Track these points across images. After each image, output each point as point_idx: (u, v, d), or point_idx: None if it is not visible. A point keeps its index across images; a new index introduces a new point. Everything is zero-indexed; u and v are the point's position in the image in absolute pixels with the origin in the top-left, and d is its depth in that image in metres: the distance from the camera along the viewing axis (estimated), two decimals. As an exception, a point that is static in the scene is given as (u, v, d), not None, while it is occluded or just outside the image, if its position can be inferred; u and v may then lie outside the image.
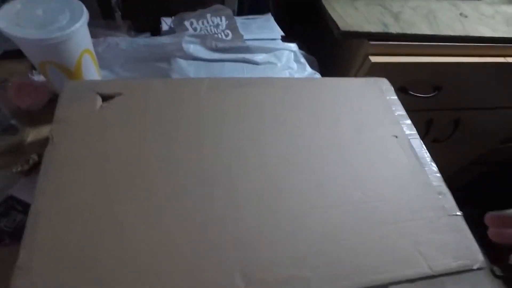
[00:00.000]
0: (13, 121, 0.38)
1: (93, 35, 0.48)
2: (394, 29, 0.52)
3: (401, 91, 0.61)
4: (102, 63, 0.47)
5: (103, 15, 0.52)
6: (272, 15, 0.64)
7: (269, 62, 0.48)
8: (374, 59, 0.53)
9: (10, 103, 0.40)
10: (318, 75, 0.53)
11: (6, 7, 0.32)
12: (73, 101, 0.33)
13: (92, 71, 0.39)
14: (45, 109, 0.42)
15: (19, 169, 0.37)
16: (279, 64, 0.48)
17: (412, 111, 0.70)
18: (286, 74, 0.49)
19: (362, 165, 0.34)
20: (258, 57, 0.48)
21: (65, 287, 0.23)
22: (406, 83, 0.61)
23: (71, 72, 0.36)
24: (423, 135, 0.78)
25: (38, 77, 0.44)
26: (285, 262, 0.27)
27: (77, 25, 0.33)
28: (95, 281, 0.24)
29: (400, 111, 0.40)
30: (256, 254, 0.27)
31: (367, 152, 0.36)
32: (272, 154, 0.33)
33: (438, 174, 0.35)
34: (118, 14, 0.50)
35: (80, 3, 0.35)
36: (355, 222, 0.30)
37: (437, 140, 0.84)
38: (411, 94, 0.61)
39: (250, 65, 0.48)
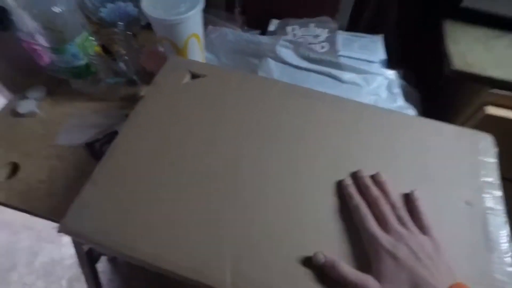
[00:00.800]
0: (135, 77, 0.50)
1: (213, 23, 0.57)
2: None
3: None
4: (211, 48, 0.55)
5: (226, 8, 0.60)
6: (393, 36, 0.60)
7: (354, 83, 0.46)
8: (491, 110, 0.44)
9: (138, 64, 0.52)
10: (412, 111, 0.47)
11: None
12: (170, 72, 0.41)
13: (196, 53, 0.47)
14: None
15: (128, 112, 0.49)
16: (365, 88, 0.46)
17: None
18: (370, 99, 0.46)
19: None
20: (346, 76, 0.47)
21: (114, 203, 0.31)
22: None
23: (179, 50, 0.45)
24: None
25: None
26: (277, 269, 0.27)
27: (190, 13, 0.40)
28: (136, 208, 0.30)
29: (492, 178, 0.33)
30: (254, 251, 0.28)
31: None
32: (309, 170, 0.33)
33: (510, 269, 0.27)
34: (237, 10, 0.57)
35: (201, -4, 0.42)
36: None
37: None
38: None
39: (334, 81, 0.47)
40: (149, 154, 0.34)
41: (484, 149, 0.35)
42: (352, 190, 0.31)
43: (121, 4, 0.48)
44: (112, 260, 0.92)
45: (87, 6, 0.47)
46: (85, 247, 0.61)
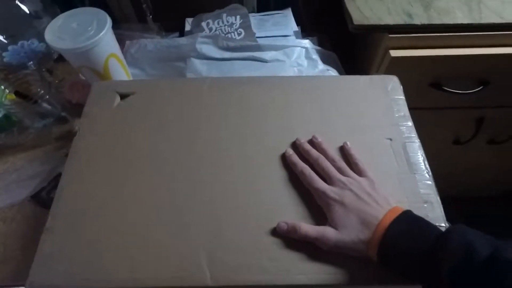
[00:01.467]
0: (63, 113, 0.48)
1: (129, 37, 0.56)
2: (419, 19, 0.47)
3: (434, 87, 0.56)
4: (134, 62, 0.54)
5: (138, 19, 0.59)
6: (300, 7, 0.64)
7: (277, 60, 0.49)
8: (395, 53, 0.50)
9: (62, 98, 0.50)
10: (332, 71, 0.52)
11: (52, 23, 0.41)
12: (98, 99, 0.40)
13: (119, 72, 0.46)
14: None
15: (67, 151, 0.47)
16: (287, 61, 0.49)
17: (454, 109, 0.63)
18: (294, 71, 0.49)
19: (348, 167, 0.35)
20: (267, 55, 0.50)
21: (77, 242, 0.31)
22: (440, 78, 0.55)
23: (100, 74, 0.44)
24: (473, 135, 0.69)
25: (85, 77, 0.54)
26: (248, 249, 0.30)
27: (100, 34, 0.39)
28: (100, 239, 0.30)
29: (403, 112, 0.38)
30: (224, 238, 0.30)
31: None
32: (256, 150, 0.36)
33: (430, 182, 0.33)
34: (149, 18, 0.56)
35: (105, 13, 0.42)
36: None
37: (494, 141, 0.74)
38: (446, 90, 0.55)
39: (258, 63, 0.49)
40: (100, 183, 0.34)
41: (393, 88, 0.40)
42: (295, 158, 0.34)
43: (24, 43, 0.45)
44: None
45: (-15, 55, 0.44)
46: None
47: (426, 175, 0.34)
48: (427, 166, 0.34)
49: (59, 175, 0.45)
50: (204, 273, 0.29)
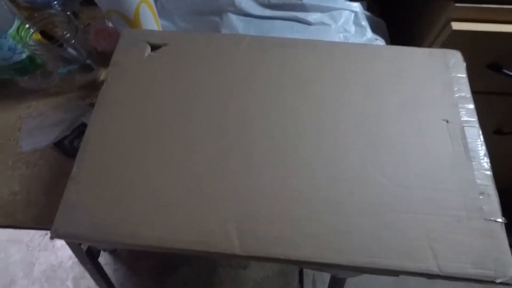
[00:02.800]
0: (88, 61, 0.45)
1: (160, -15, 0.52)
2: (494, -13, 0.41)
3: (492, 69, 0.50)
4: (164, 14, 0.50)
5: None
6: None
7: (322, 23, 0.44)
8: (457, 25, 0.44)
9: (88, 45, 0.47)
10: (381, 41, 0.47)
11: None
12: (127, 48, 0.37)
13: (150, 21, 0.42)
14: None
15: (91, 101, 0.46)
16: (333, 26, 0.44)
17: (506, 95, 0.57)
18: (340, 37, 0.44)
19: (393, 146, 0.32)
20: (312, 17, 0.45)
21: (101, 195, 0.29)
22: (502, 60, 0.49)
23: (130, 21, 0.40)
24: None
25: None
26: (281, 222, 0.28)
27: (135, -25, 0.36)
28: (126, 195, 0.29)
29: (464, 92, 0.34)
30: (255, 209, 0.28)
31: (405, 133, 0.32)
32: (298, 117, 0.33)
33: (488, 172, 0.30)
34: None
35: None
36: (364, 202, 0.29)
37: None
38: (505, 73, 0.49)
39: (301, 25, 0.45)
40: (127, 138, 0.32)
41: (455, 65, 0.36)
42: None
43: (50, -21, 0.41)
44: (113, 252, 0.93)
45: (9, -12, 0.40)
46: (84, 247, 0.60)
47: (485, 164, 0.30)
48: (487, 154, 0.31)
49: (82, 125, 0.44)
50: (232, 241, 0.27)
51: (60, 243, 0.96)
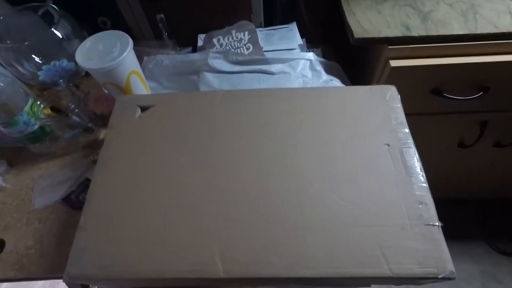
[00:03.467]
0: (90, 124, 0.53)
1: (146, 53, 0.61)
2: (416, 31, 0.50)
3: (435, 94, 0.58)
4: (151, 77, 0.59)
5: (155, 36, 0.65)
6: (306, 21, 0.67)
7: (283, 72, 0.53)
8: (394, 63, 0.52)
9: (88, 110, 0.55)
10: (336, 81, 0.55)
11: (81, 45, 0.46)
12: (121, 112, 0.45)
13: (139, 87, 0.51)
14: (112, 114, 0.56)
15: (93, 158, 0.53)
16: (292, 73, 0.53)
17: (457, 113, 0.65)
18: (299, 82, 0.53)
19: (346, 171, 0.38)
20: (274, 68, 0.53)
21: (106, 239, 0.35)
22: (441, 86, 0.57)
23: (123, 89, 0.49)
24: (477, 138, 0.71)
25: (108, 90, 0.59)
26: (256, 247, 0.33)
27: (123, 55, 0.44)
28: (127, 236, 0.35)
29: (400, 119, 0.41)
30: (235, 238, 0.34)
31: (355, 159, 0.39)
32: (265, 156, 0.39)
33: (425, 185, 0.36)
34: (165, 35, 0.61)
35: (128, 36, 0.47)
36: (325, 221, 0.34)
37: (500, 144, 0.75)
38: (446, 96, 0.57)
39: (266, 75, 0.53)
40: (125, 188, 0.38)
41: (391, 97, 0.43)
42: None
43: (56, 62, 0.50)
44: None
45: (24, 74, 0.49)
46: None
47: (421, 178, 0.36)
48: (422, 169, 0.37)
49: (86, 180, 0.50)
50: (217, 267, 0.32)
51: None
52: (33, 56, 0.49)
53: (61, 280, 0.34)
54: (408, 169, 0.37)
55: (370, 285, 0.36)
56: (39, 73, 0.50)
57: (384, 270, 0.31)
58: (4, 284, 0.45)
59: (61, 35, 0.49)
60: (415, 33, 0.50)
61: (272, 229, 0.34)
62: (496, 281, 0.96)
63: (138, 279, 0.33)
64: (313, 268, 0.32)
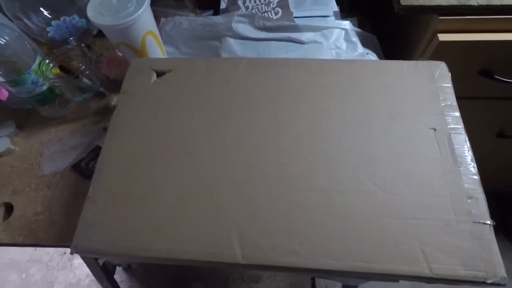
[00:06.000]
0: (101, 88, 0.49)
1: (163, 14, 0.56)
2: (476, 0, 0.43)
3: (484, 75, 0.51)
4: (169, 40, 0.54)
5: (174, -4, 0.59)
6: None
7: (315, 42, 0.47)
8: (443, 37, 0.46)
9: (101, 74, 0.51)
10: (372, 55, 0.50)
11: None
12: (135, 76, 0.41)
13: (155, 49, 0.46)
14: (126, 79, 0.53)
15: (104, 125, 0.49)
16: (325, 44, 0.47)
17: (503, 99, 0.59)
18: (332, 54, 0.47)
19: (383, 155, 0.33)
20: (305, 36, 0.48)
21: (115, 213, 0.32)
22: (492, 66, 0.50)
23: (138, 51, 0.44)
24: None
25: (122, 53, 0.55)
26: (279, 232, 0.30)
27: (139, 11, 0.40)
28: (138, 211, 0.32)
29: (449, 101, 0.36)
30: (256, 220, 0.31)
31: (394, 142, 0.34)
32: (291, 133, 0.35)
33: (476, 177, 0.31)
34: (185, -5, 0.56)
35: (145, -10, 0.42)
36: (357, 210, 0.30)
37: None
38: (496, 78, 0.51)
39: (295, 44, 0.48)
40: (137, 158, 0.35)
41: (440, 76, 0.38)
42: None
43: (67, 18, 0.46)
44: (127, 269, 0.95)
45: (32, 29, 0.45)
46: (100, 263, 0.62)
47: (472, 169, 0.32)
48: (473, 160, 0.32)
49: (96, 147, 0.47)
50: (235, 251, 0.29)
51: (78, 261, 0.99)
52: (41, 9, 0.45)
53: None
54: (456, 158, 0.32)
55: (398, 281, 0.33)
56: (48, 28, 0.46)
57: (422, 269, 0.28)
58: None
59: (71, -14, 0.44)
60: (473, 1, 0.43)
61: (296, 214, 0.31)
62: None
63: (147, 257, 0.30)
64: (340, 260, 0.29)
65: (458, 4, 0.43)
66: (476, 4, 0.43)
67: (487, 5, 0.43)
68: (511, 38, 0.45)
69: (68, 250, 0.33)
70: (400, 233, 0.29)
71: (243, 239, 0.30)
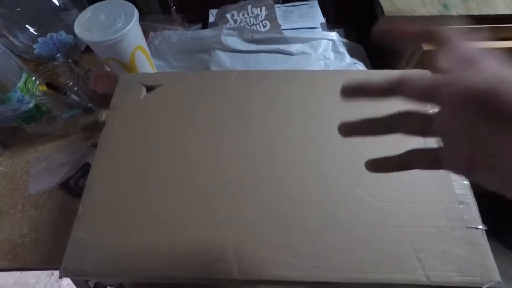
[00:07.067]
0: (90, 104, 0.49)
1: (152, 28, 0.56)
2: (455, 10, 0.45)
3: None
4: (158, 54, 0.54)
5: (162, 10, 0.59)
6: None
7: (303, 53, 0.48)
8: (428, 46, 0.47)
9: (89, 89, 0.51)
10: (359, 65, 0.51)
11: (81, 15, 0.41)
12: (125, 91, 0.41)
13: (145, 64, 0.46)
14: (115, 94, 0.52)
15: (94, 141, 0.48)
16: (313, 54, 0.48)
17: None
18: (321, 64, 0.48)
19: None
20: (293, 48, 0.48)
21: (107, 232, 0.31)
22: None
23: (127, 66, 0.44)
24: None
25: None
26: (274, 246, 0.30)
27: (128, 26, 0.40)
28: (130, 230, 0.31)
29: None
30: (251, 234, 0.30)
31: (385, 151, 0.34)
32: (283, 145, 0.35)
33: (466, 182, 0.32)
34: (173, 9, 0.56)
35: (132, 6, 0.42)
36: (352, 220, 0.30)
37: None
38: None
39: (284, 56, 0.48)
40: (128, 175, 0.34)
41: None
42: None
43: (53, 35, 0.45)
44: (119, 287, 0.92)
45: (18, 46, 0.44)
46: (91, 284, 0.60)
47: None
48: (463, 165, 0.33)
49: (86, 164, 0.46)
50: (231, 266, 0.29)
51: (66, 282, 0.96)
52: (27, 26, 0.44)
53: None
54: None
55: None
56: (34, 45, 0.45)
57: (419, 277, 0.28)
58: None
59: (58, 3, 0.44)
60: (453, 12, 0.45)
61: (291, 227, 0.31)
62: (506, 278, 0.94)
63: (141, 277, 0.29)
64: (337, 272, 0.28)
65: (439, 14, 0.45)
66: (456, 14, 0.45)
67: (466, 15, 0.45)
68: (494, 46, 0.46)
69: (56, 271, 0.32)
70: (395, 241, 0.29)
71: (238, 254, 0.29)
